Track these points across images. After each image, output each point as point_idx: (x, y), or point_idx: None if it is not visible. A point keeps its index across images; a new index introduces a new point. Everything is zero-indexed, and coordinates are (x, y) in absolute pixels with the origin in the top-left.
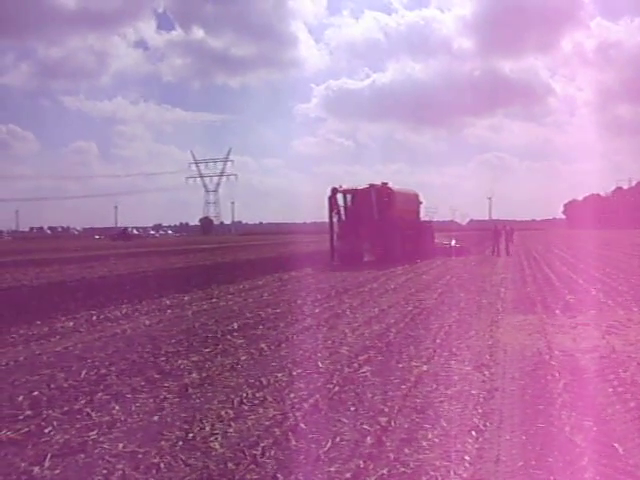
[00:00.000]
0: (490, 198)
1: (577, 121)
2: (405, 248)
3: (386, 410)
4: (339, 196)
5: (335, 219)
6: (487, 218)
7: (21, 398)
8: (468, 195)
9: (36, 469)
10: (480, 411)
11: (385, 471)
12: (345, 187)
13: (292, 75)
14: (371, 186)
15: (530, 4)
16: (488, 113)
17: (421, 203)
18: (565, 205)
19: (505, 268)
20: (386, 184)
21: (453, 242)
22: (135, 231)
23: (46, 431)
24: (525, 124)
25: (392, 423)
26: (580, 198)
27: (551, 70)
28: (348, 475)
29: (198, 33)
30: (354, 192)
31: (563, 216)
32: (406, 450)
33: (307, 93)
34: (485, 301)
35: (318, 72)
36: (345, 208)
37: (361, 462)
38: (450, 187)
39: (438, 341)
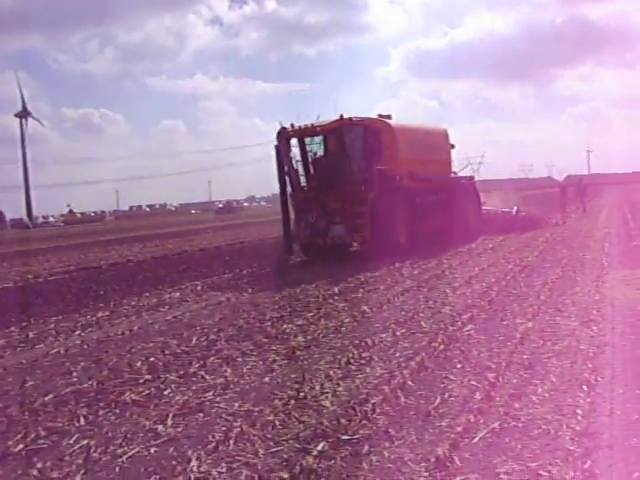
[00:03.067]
0: (589, 151)
1: None
2: (419, 227)
3: (493, 367)
4: (295, 143)
5: (290, 183)
6: (586, 172)
7: (139, 364)
8: (564, 150)
9: (160, 427)
10: (590, 366)
11: (496, 425)
12: (305, 125)
13: (368, 39)
14: (346, 122)
15: None
16: (577, 63)
17: (453, 147)
18: None
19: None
20: (385, 117)
21: (515, 209)
22: (235, 204)
23: (165, 393)
24: (619, 71)
25: (500, 379)
26: None
27: None
28: (459, 429)
29: (270, 5)
30: (319, 132)
31: None
32: (516, 405)
33: (385, 56)
34: (589, 257)
35: (395, 34)
36: (307, 162)
37: (471, 417)
38: (544, 143)
39: (542, 298)
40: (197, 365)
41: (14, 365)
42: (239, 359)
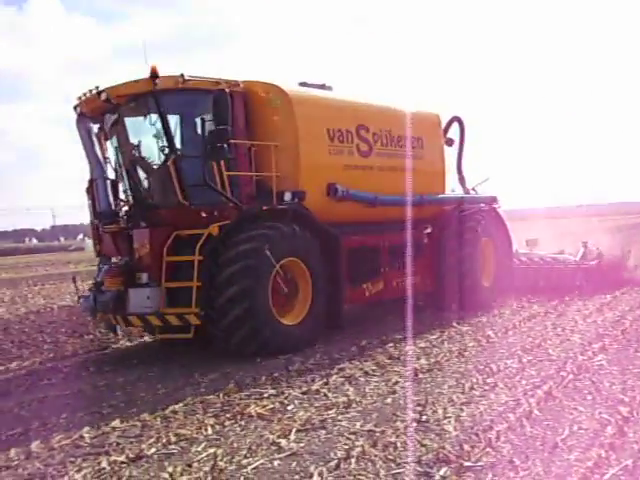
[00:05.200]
0: None
1: None
2: (355, 294)
3: (627, 400)
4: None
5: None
6: None
7: (263, 378)
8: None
9: (283, 441)
10: None
11: (630, 462)
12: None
13: None
14: (169, 81)
15: None
16: None
17: (451, 143)
18: None
19: None
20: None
21: (581, 252)
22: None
23: (289, 408)
24: None
25: (634, 414)
26: None
27: None
28: (589, 464)
29: None
30: (125, 104)
31: None
32: None
33: None
34: None
35: None
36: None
37: (602, 451)
38: None
39: None
40: (320, 382)
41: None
42: (361, 378)
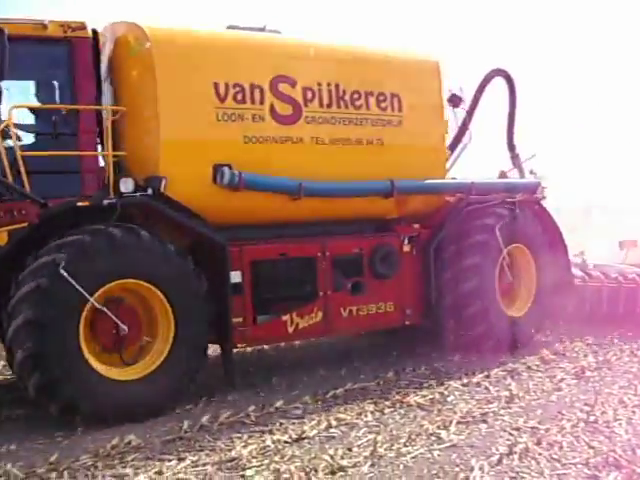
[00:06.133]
0: None
1: None
2: (256, 332)
3: None
4: None
5: None
6: None
7: (423, 368)
8: None
9: (443, 432)
10: None
11: None
12: None
13: None
14: None
15: None
16: None
17: (457, 103)
18: None
19: None
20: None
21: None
22: None
23: (449, 399)
24: None
25: None
26: None
27: None
28: None
29: None
30: None
31: None
32: None
33: None
34: None
35: None
36: None
37: None
38: None
39: None
40: (481, 375)
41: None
42: (524, 373)
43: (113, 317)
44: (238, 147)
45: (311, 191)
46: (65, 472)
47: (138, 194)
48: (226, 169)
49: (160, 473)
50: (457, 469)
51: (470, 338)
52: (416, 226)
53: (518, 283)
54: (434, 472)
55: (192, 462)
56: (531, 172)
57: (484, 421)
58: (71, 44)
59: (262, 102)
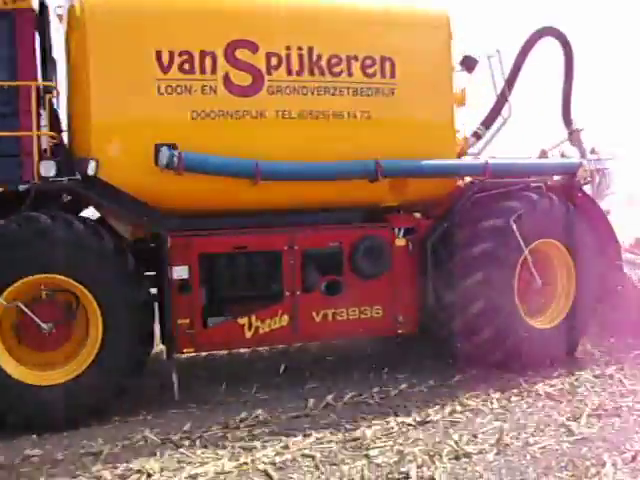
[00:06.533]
0: None
1: None
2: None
3: None
4: None
5: None
6: None
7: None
8: None
9: (573, 424)
10: None
11: None
12: None
13: None
14: None
15: None
16: None
17: (470, 67)
18: None
19: None
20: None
21: None
22: None
23: (579, 391)
24: None
25: None
26: None
27: None
28: None
29: None
30: None
31: None
32: None
33: None
34: None
35: None
36: None
37: None
38: None
39: None
40: (614, 367)
41: None
42: None
43: (31, 314)
44: (185, 124)
45: (270, 174)
46: (197, 441)
47: (65, 179)
48: (164, 149)
49: (286, 447)
50: (588, 463)
51: (480, 354)
52: (417, 216)
53: (560, 286)
54: (563, 464)
55: (317, 439)
56: (592, 151)
57: (617, 415)
58: (10, 15)
59: (214, 71)
